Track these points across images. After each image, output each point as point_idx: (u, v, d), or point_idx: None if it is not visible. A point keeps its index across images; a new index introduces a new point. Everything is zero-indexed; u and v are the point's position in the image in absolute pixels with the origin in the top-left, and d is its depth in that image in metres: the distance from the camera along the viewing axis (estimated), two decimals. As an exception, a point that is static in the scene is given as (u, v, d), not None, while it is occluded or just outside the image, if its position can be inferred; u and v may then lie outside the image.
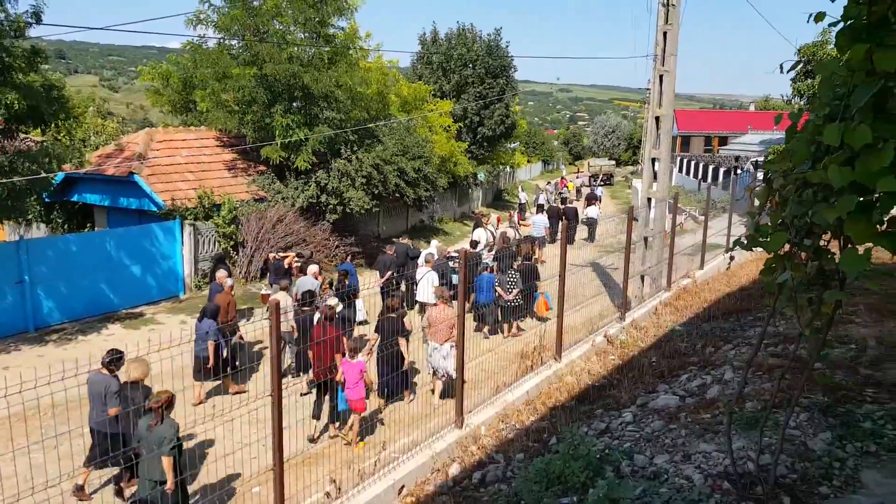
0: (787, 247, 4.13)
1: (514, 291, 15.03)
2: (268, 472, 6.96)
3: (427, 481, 8.06)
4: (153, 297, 18.02)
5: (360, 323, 15.08)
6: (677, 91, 16.64)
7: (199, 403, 11.51)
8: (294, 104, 21.48)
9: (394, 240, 20.67)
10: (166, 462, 7.27)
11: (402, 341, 11.17)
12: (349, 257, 17.75)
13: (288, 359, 13.01)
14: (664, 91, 15.76)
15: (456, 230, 33.85)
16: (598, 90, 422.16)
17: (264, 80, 20.46)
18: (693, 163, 49.83)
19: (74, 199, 21.31)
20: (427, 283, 14.98)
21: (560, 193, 41.87)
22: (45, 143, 15.70)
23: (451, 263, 16.87)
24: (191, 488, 8.56)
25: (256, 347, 13.97)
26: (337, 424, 10.56)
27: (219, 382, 11.87)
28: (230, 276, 14.02)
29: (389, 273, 16.67)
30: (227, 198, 19.82)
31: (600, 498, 5.25)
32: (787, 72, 4.28)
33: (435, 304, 12.19)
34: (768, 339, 9.29)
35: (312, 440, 10.33)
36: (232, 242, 19.54)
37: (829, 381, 6.91)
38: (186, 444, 8.68)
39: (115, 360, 8.74)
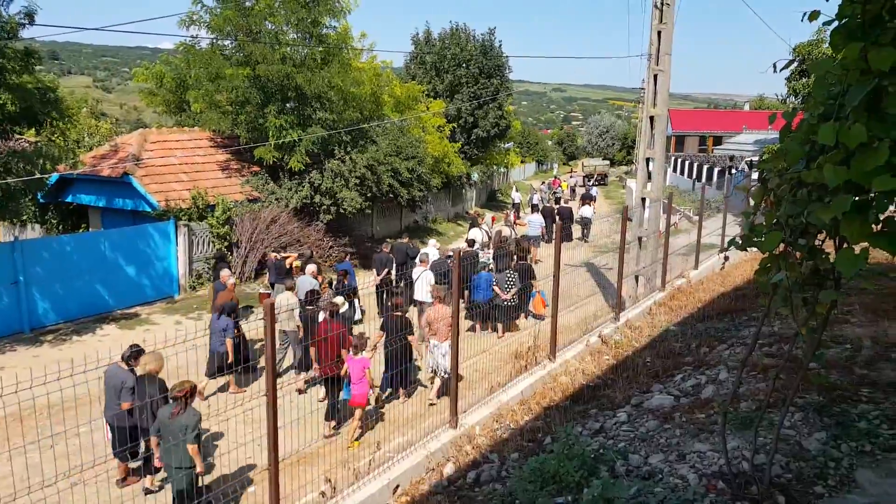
0: (781, 247, 4.13)
1: (512, 290, 15.07)
2: (263, 472, 6.96)
3: (422, 481, 8.06)
4: (148, 298, 18.01)
5: (357, 322, 15.13)
6: (672, 90, 16.65)
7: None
8: (287, 105, 21.45)
9: (387, 240, 20.72)
10: (192, 449, 7.54)
11: (411, 338, 11.45)
12: (348, 257, 17.88)
13: (290, 358, 13.18)
14: (658, 90, 15.77)
15: (450, 230, 33.86)
16: (592, 90, 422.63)
17: (257, 80, 20.42)
18: (688, 162, 49.95)
19: (69, 199, 21.26)
20: (423, 283, 15.06)
21: (554, 193, 41.84)
22: (39, 144, 15.66)
23: (448, 262, 16.92)
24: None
25: (256, 346, 13.99)
26: (332, 423, 10.61)
27: (222, 382, 12.03)
28: (242, 273, 14.18)
29: (386, 271, 16.78)
30: (221, 198, 19.80)
31: (595, 497, 5.25)
32: (781, 70, 4.29)
33: (432, 303, 12.36)
34: (763, 338, 9.30)
35: (329, 436, 10.47)
36: (226, 243, 19.50)
37: (824, 381, 6.93)
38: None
39: (135, 354, 8.94)
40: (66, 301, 16.14)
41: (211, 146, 23.34)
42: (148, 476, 8.92)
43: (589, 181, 58.22)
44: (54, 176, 18.95)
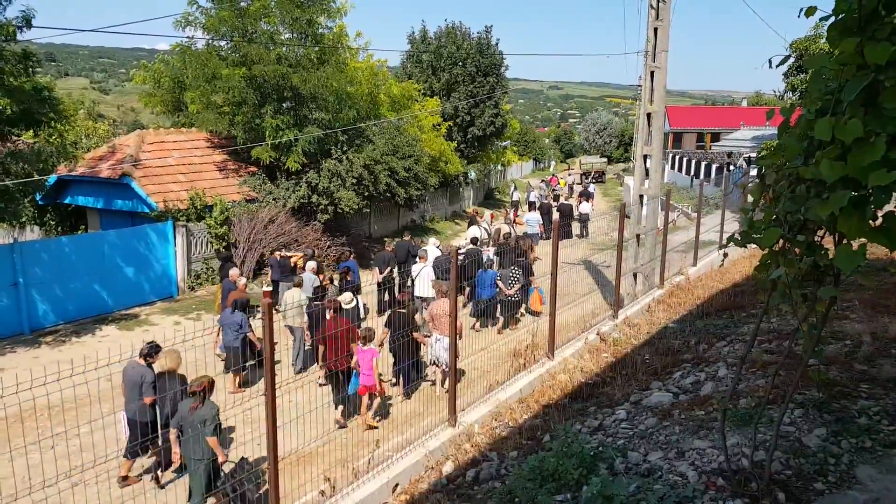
0: (780, 243, 4.12)
1: (516, 287, 15.12)
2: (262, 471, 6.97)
3: (421, 479, 8.06)
4: (147, 299, 18.04)
5: (361, 319, 15.26)
6: (669, 87, 16.65)
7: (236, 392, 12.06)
8: (284, 105, 21.45)
9: (385, 239, 20.77)
10: (212, 441, 7.76)
11: (416, 334, 11.64)
12: (351, 255, 18.04)
13: (293, 357, 13.26)
14: (655, 87, 15.77)
15: (447, 229, 33.85)
16: (589, 87, 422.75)
17: (253, 81, 20.41)
18: (685, 159, 49.88)
19: (67, 201, 21.27)
20: (423, 279, 15.20)
21: (553, 190, 41.82)
22: (37, 145, 15.65)
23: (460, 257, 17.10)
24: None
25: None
26: (342, 409, 10.85)
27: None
28: (241, 273, 14.32)
29: (388, 269, 16.88)
30: (218, 199, 19.79)
31: (594, 495, 5.25)
32: (777, 66, 4.27)
33: (435, 298, 12.59)
34: (762, 335, 9.29)
35: (343, 426, 10.69)
36: (224, 243, 19.49)
37: (824, 378, 6.91)
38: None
39: (152, 351, 9.10)
40: (66, 302, 16.17)
41: (208, 147, 23.32)
42: (159, 470, 9.05)
43: (586, 179, 58.19)
44: (52, 177, 18.94)
